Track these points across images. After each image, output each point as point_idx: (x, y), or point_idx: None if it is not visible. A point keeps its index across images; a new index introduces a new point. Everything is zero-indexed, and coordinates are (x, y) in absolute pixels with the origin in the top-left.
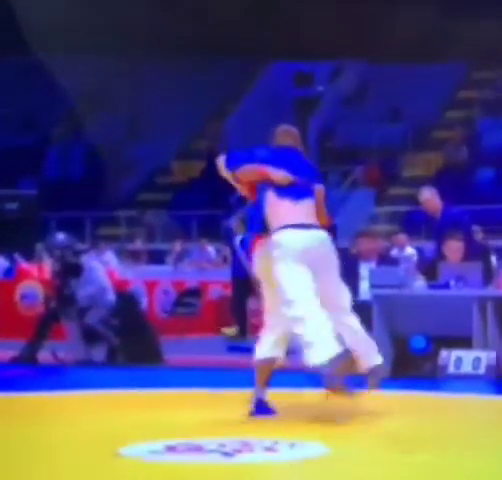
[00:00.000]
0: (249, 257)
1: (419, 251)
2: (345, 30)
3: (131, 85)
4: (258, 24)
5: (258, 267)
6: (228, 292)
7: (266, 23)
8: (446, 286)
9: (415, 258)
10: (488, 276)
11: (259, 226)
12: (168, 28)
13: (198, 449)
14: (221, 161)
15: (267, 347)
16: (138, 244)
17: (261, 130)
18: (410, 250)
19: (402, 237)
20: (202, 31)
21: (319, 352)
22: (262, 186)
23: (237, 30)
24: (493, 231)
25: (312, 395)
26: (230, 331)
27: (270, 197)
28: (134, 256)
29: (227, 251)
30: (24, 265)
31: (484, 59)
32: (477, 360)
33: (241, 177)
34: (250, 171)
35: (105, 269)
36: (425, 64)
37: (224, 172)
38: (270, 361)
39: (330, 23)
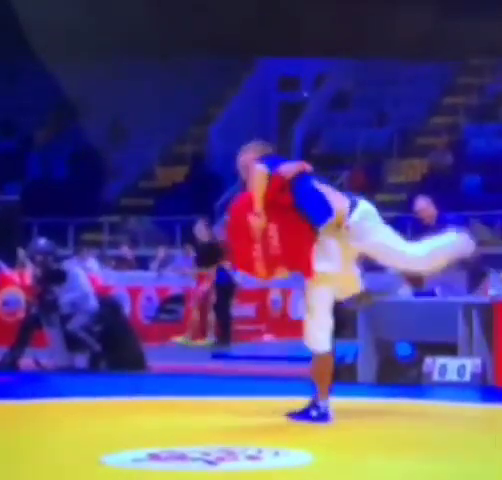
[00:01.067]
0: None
1: None
2: (331, 32)
3: (113, 88)
4: (244, 23)
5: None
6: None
7: (253, 23)
8: (431, 293)
9: None
10: (477, 283)
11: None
12: (151, 31)
13: (181, 457)
14: (260, 169)
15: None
16: (125, 250)
17: (245, 134)
18: None
19: None
20: (186, 34)
21: None
22: (305, 177)
23: (223, 31)
24: None
25: (296, 402)
26: (181, 339)
27: (317, 184)
28: (121, 262)
29: None
30: (6, 271)
31: (471, 63)
32: (462, 367)
33: (285, 174)
34: (291, 167)
35: (87, 275)
36: (411, 69)
37: (261, 181)
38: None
39: (317, 25)
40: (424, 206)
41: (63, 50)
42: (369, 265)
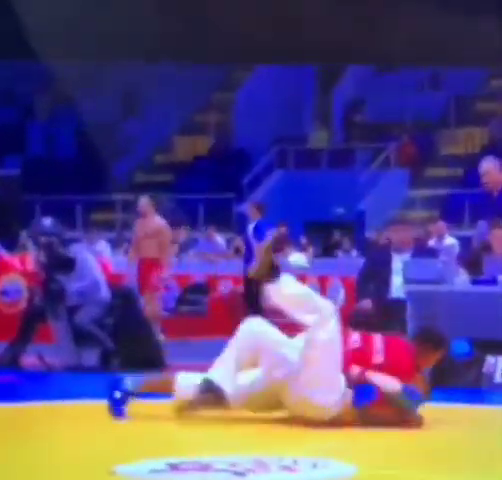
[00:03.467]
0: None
1: (464, 241)
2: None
3: (127, 53)
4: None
5: None
6: (240, 287)
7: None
8: (492, 282)
9: (456, 249)
10: None
11: None
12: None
13: (205, 468)
14: None
15: None
16: None
17: (274, 100)
18: (450, 240)
19: (441, 225)
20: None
21: None
22: None
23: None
24: None
25: None
26: None
27: None
28: None
29: (239, 241)
30: (5, 256)
31: None
32: None
33: None
34: None
35: (98, 261)
36: (467, 24)
37: None
38: None
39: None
40: (490, 169)
41: (73, 20)
42: (417, 251)
